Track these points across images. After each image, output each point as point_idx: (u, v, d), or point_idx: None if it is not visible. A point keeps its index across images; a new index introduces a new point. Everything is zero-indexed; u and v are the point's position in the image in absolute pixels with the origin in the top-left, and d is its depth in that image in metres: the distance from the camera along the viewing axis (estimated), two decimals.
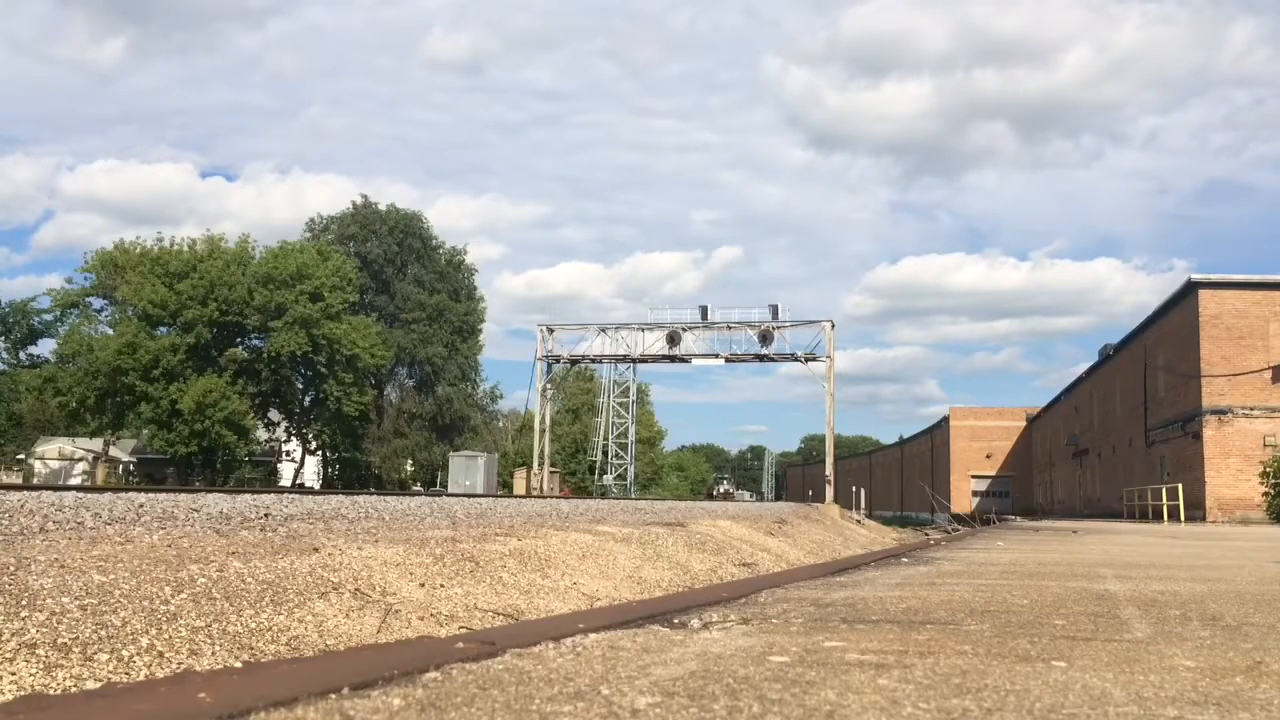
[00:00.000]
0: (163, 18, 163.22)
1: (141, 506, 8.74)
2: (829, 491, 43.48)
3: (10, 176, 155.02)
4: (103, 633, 3.99)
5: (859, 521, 39.04)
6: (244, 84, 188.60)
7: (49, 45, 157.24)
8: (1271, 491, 29.80)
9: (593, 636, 3.05)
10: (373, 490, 36.14)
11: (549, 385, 50.68)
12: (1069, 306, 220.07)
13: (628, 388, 62.30)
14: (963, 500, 70.89)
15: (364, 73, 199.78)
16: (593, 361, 51.07)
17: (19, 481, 40.01)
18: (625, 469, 62.04)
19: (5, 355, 63.04)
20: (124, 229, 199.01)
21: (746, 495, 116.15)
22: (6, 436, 61.79)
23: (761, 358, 47.00)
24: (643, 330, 46.92)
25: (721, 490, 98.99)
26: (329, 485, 52.51)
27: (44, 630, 3.86)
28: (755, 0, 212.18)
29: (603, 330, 47.82)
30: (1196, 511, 30.44)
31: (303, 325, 46.37)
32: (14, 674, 3.59)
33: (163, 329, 46.41)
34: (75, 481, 43.66)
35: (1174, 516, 29.07)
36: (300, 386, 52.27)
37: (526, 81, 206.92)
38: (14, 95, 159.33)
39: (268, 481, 53.11)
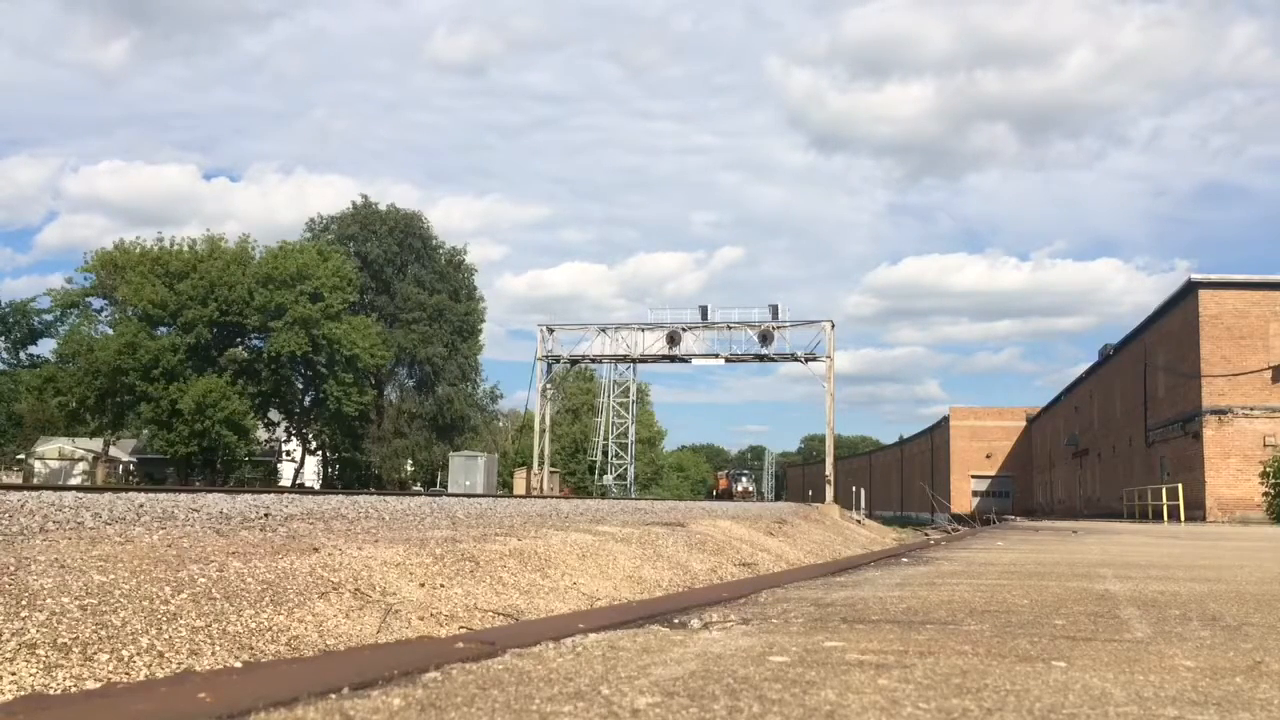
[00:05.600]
0: (167, 20, 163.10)
1: (141, 506, 8.74)
2: (829, 491, 43.49)
3: (14, 177, 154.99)
4: (103, 633, 3.99)
5: (859, 521, 39.03)
6: (248, 86, 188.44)
7: (54, 47, 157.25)
8: (1271, 491, 29.82)
9: (593, 636, 3.05)
10: (373, 490, 36.14)
11: (549, 385, 50.69)
12: (1070, 307, 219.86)
13: (628, 388, 62.31)
14: (963, 500, 70.87)
15: (367, 75, 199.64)
16: (593, 361, 51.08)
17: (19, 481, 40.01)
18: (625, 469, 62.04)
19: (5, 355, 63.12)
20: (128, 229, 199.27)
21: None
22: (6, 436, 61.80)
23: (761, 358, 47.02)
24: (643, 330, 46.93)
25: (740, 489, 77.17)
26: (329, 485, 52.50)
27: (44, 630, 3.86)
28: (758, 2, 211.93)
29: (603, 330, 47.83)
30: (1196, 511, 30.43)
31: (303, 325, 46.37)
32: (14, 674, 3.59)
33: (163, 329, 46.41)
34: (75, 481, 43.66)
35: (1174, 516, 29.07)
36: (300, 386, 52.26)
37: (528, 84, 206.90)
38: (18, 97, 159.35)
39: (268, 481, 53.11)
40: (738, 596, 4.58)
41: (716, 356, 46.72)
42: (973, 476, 74.27)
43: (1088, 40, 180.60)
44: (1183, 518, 28.96)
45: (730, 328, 46.14)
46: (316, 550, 6.00)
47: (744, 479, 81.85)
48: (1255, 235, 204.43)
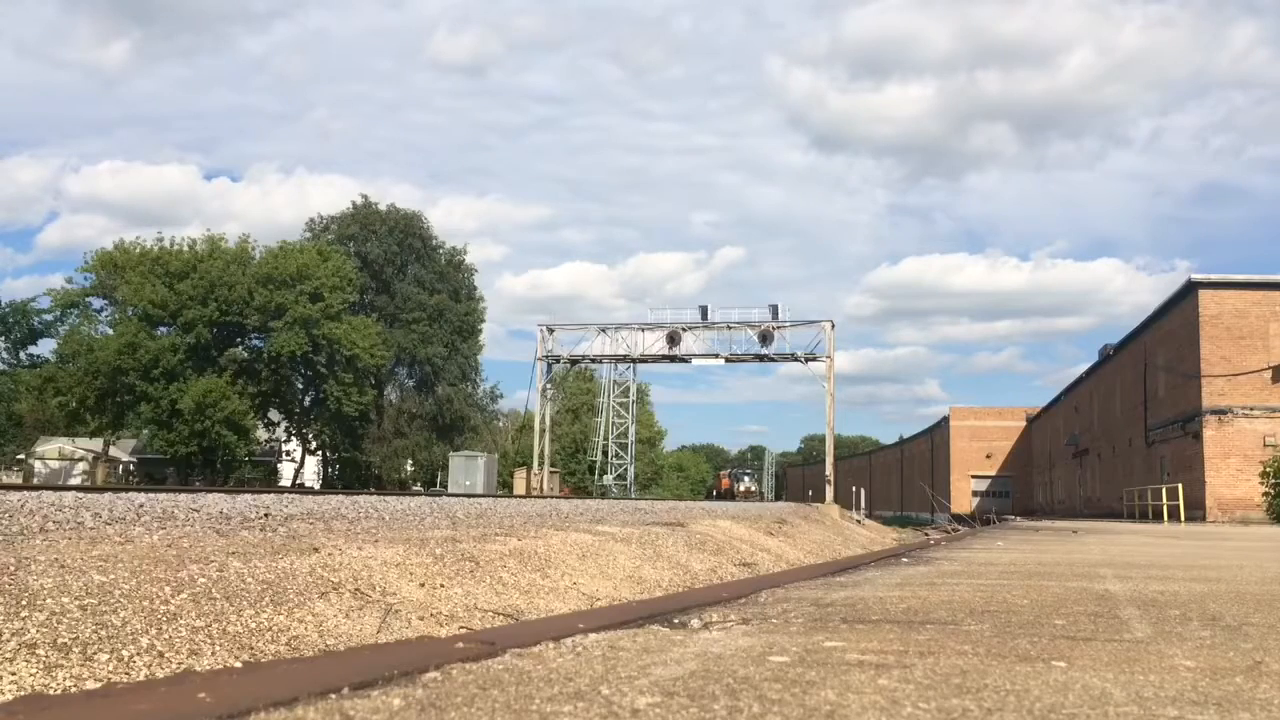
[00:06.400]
0: (168, 21, 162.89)
1: (141, 506, 8.74)
2: (829, 491, 43.49)
3: (14, 177, 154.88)
4: (103, 633, 3.99)
5: (859, 521, 39.04)
6: (249, 87, 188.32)
7: (54, 48, 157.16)
8: (1271, 491, 29.80)
9: (593, 636, 3.05)
10: (373, 490, 36.13)
11: (549, 385, 50.70)
12: (1070, 307, 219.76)
13: (628, 388, 62.25)
14: (963, 500, 70.87)
15: (367, 75, 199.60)
16: (593, 361, 51.07)
17: (19, 481, 40.00)
18: (625, 469, 62.01)
19: (5, 355, 63.03)
20: (128, 230, 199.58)
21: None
22: (6, 436, 61.77)
23: (761, 358, 47.02)
24: (643, 330, 46.93)
25: (742, 488, 73.31)
26: (329, 485, 52.49)
27: (44, 630, 3.86)
28: (758, 2, 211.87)
29: (603, 330, 47.84)
30: (1196, 512, 30.43)
31: (303, 325, 46.38)
32: (14, 674, 3.59)
33: (163, 329, 46.42)
34: (75, 481, 43.65)
35: (1174, 517, 29.06)
36: (300, 386, 52.28)
37: (528, 84, 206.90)
38: (19, 97, 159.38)
39: (268, 481, 53.10)
40: (738, 596, 4.58)
41: (716, 356, 46.72)
42: (973, 476, 74.25)
43: (1088, 40, 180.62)
44: (1183, 518, 28.95)
45: (730, 328, 46.14)
46: (316, 550, 6.00)
47: (746, 479, 79.23)
48: (1255, 235, 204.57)
